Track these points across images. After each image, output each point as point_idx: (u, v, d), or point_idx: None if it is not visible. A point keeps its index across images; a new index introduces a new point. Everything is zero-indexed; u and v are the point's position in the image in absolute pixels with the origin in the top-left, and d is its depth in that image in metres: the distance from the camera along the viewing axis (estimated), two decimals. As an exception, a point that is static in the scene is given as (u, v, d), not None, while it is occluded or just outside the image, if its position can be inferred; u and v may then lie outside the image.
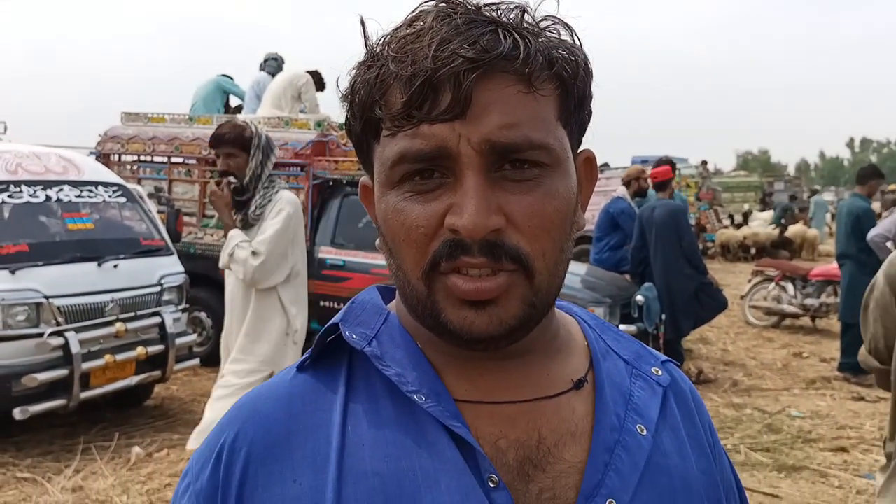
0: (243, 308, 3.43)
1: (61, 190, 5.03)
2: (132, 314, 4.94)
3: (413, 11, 0.65)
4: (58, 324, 4.53)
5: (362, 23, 0.66)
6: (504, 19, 0.63)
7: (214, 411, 3.45)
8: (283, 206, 3.37)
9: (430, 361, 0.69)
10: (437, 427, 0.65)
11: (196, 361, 5.66)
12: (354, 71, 0.66)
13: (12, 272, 4.48)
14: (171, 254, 5.53)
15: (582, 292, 6.02)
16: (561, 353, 0.73)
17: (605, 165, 14.13)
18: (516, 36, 0.61)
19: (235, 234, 3.35)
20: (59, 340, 4.47)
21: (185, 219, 6.58)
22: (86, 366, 4.53)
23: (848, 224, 6.75)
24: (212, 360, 6.64)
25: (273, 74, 8.09)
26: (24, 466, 4.38)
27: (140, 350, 4.85)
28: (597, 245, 7.28)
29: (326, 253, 6.43)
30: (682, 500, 0.69)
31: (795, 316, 9.05)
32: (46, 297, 4.50)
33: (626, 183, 7.36)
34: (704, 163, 19.67)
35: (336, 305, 5.95)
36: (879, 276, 2.18)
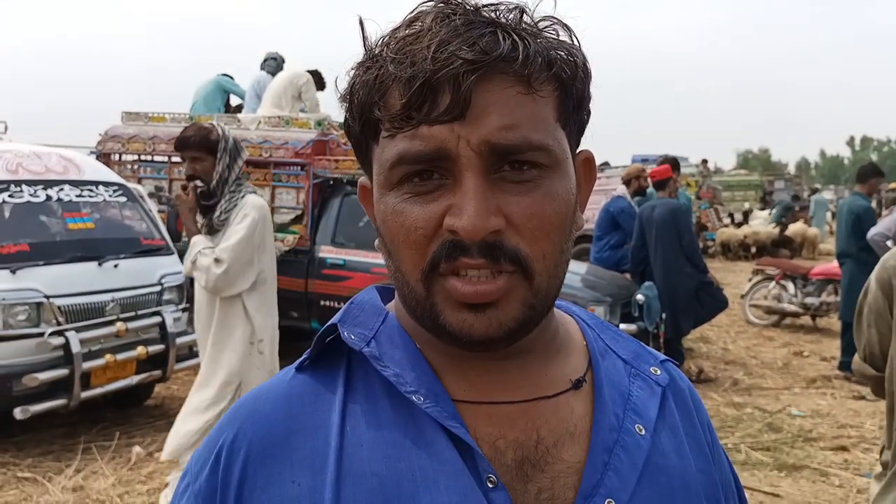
0: (209, 315, 3.35)
1: (62, 189, 5.03)
2: (133, 314, 4.94)
3: (412, 12, 0.65)
4: (58, 323, 4.53)
5: (361, 23, 0.66)
6: (503, 20, 0.63)
7: (186, 424, 3.32)
8: (249, 212, 3.27)
9: (429, 362, 0.69)
10: (435, 427, 0.65)
11: (197, 360, 5.63)
12: (353, 71, 0.66)
13: (13, 272, 4.48)
14: (172, 253, 5.53)
15: (582, 291, 6.03)
16: (560, 352, 0.73)
17: (606, 164, 14.14)
18: (515, 37, 0.61)
19: (198, 241, 3.27)
20: (59, 340, 4.47)
21: (186, 218, 6.57)
22: (86, 365, 4.54)
23: (848, 223, 6.75)
24: (212, 359, 6.65)
25: (273, 74, 8.09)
26: (24, 466, 4.39)
27: (140, 349, 4.85)
28: (597, 244, 7.28)
29: (327, 252, 6.44)
30: (680, 499, 0.69)
31: (796, 315, 9.05)
32: (47, 297, 4.50)
33: (626, 182, 7.36)
34: (705, 161, 19.65)
35: (336, 305, 5.96)
36: (872, 280, 2.14)
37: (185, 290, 5.51)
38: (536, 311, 0.65)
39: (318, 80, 7.59)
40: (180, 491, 0.70)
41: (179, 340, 5.18)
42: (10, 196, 4.83)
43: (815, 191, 25.72)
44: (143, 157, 7.39)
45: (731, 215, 20.81)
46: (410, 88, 0.60)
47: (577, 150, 0.71)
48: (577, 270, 6.62)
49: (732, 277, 12.82)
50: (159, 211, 5.98)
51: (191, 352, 5.56)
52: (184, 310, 5.46)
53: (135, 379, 4.93)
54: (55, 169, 5.20)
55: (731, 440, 4.97)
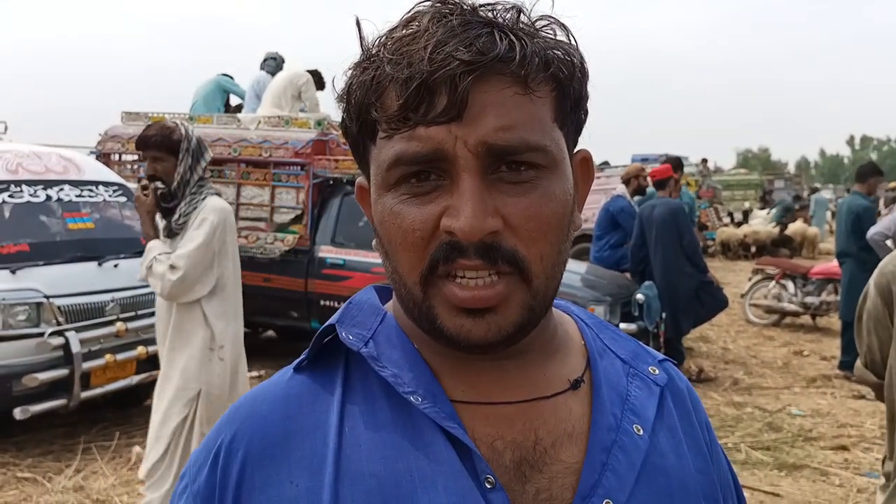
0: (167, 319, 3.26)
1: (62, 189, 5.03)
2: (132, 313, 4.94)
3: (408, 12, 0.64)
4: (58, 323, 4.53)
5: (358, 23, 0.66)
6: (500, 20, 0.63)
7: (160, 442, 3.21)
8: (207, 216, 3.15)
9: (427, 362, 0.69)
10: (433, 428, 0.65)
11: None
12: (350, 72, 0.65)
13: (13, 272, 4.48)
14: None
15: (582, 291, 6.03)
16: (558, 352, 0.72)
17: (605, 164, 14.14)
18: (512, 37, 0.61)
19: (154, 246, 3.16)
20: (59, 340, 4.48)
21: (186, 218, 6.57)
22: (86, 365, 4.54)
23: (848, 222, 6.75)
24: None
25: (272, 74, 8.09)
26: (24, 466, 4.39)
27: (140, 349, 4.85)
28: (597, 243, 7.28)
29: (327, 252, 6.44)
30: (679, 499, 0.69)
31: (796, 314, 9.05)
32: (47, 297, 4.50)
33: (626, 181, 7.36)
34: (704, 161, 19.66)
35: (336, 304, 5.96)
36: (871, 286, 2.10)
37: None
38: (535, 314, 0.65)
39: (318, 80, 7.59)
40: (179, 491, 0.70)
41: (179, 340, 5.16)
42: (10, 196, 4.83)
43: (814, 190, 25.73)
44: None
45: (730, 214, 20.81)
46: (407, 89, 0.60)
47: (575, 150, 0.71)
48: (576, 270, 6.63)
49: (732, 277, 12.82)
50: (159, 211, 5.96)
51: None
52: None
53: (135, 379, 4.93)
54: (55, 169, 5.20)
55: (731, 440, 4.97)
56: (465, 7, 0.63)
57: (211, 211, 3.16)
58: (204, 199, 3.19)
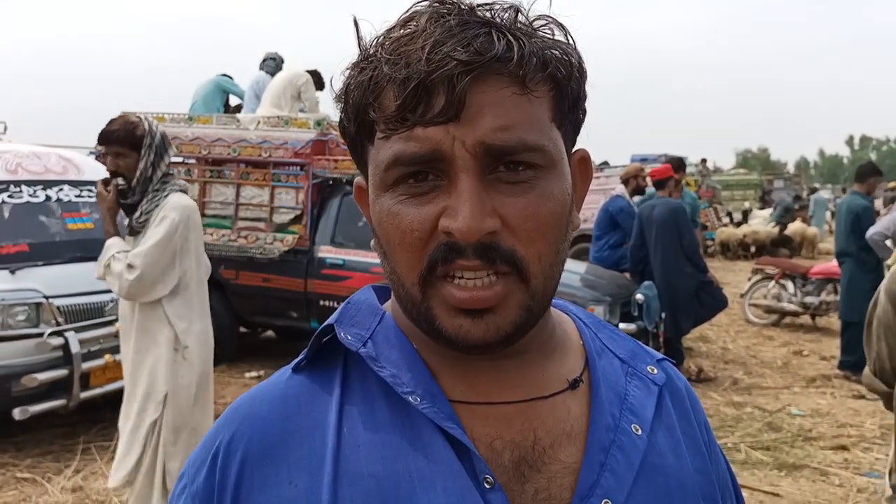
0: (130, 320, 3.17)
1: (61, 190, 5.03)
2: (132, 314, 4.93)
3: (406, 12, 0.64)
4: (58, 324, 4.53)
5: (355, 23, 0.66)
6: (497, 20, 0.62)
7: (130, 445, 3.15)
8: (168, 213, 3.06)
9: (426, 362, 0.69)
10: (432, 428, 0.65)
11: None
12: (348, 72, 0.65)
13: (12, 272, 4.48)
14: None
15: (582, 291, 6.03)
16: (557, 352, 0.72)
17: (605, 164, 14.15)
18: (510, 37, 0.61)
19: (113, 244, 3.09)
20: (58, 340, 4.47)
21: (185, 218, 6.57)
22: (86, 365, 4.54)
23: (847, 222, 6.75)
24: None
25: (272, 74, 8.09)
26: (23, 466, 4.39)
27: (140, 350, 4.84)
28: (596, 243, 7.28)
29: (326, 252, 6.44)
30: (677, 499, 0.69)
31: (795, 314, 9.05)
32: (46, 297, 4.50)
33: (625, 181, 7.36)
34: (704, 161, 19.67)
35: (336, 304, 5.95)
36: (881, 292, 2.08)
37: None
38: (533, 314, 0.65)
39: (318, 80, 7.59)
40: (178, 493, 0.70)
41: (179, 341, 5.16)
42: (9, 196, 4.83)
43: (814, 190, 25.73)
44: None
45: (729, 214, 20.81)
46: (405, 90, 0.60)
47: (573, 150, 0.71)
48: (576, 270, 6.63)
49: (732, 277, 12.82)
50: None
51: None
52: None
53: (134, 379, 4.92)
54: (54, 169, 5.20)
55: (730, 439, 4.97)
56: (462, 7, 0.62)
57: (172, 208, 3.07)
58: (166, 195, 3.10)
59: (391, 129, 0.62)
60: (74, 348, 4.47)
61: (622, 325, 5.82)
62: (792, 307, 8.92)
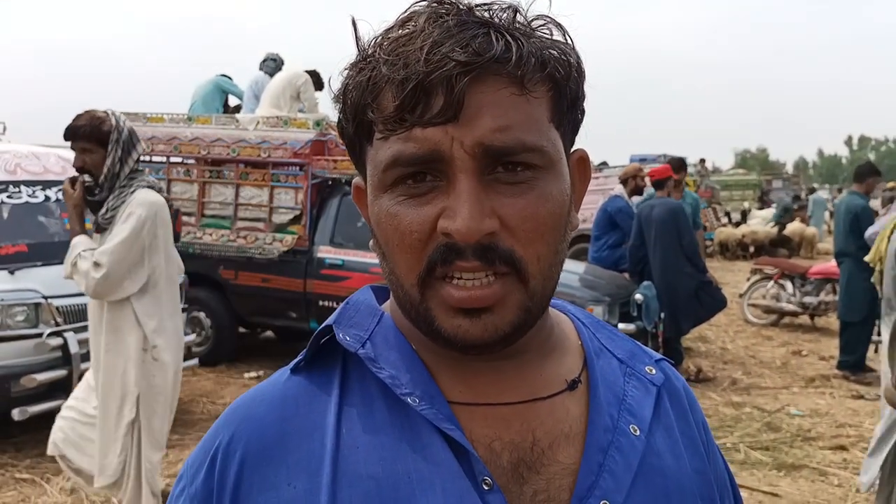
0: (99, 319, 3.11)
1: (60, 190, 5.02)
2: (131, 314, 4.93)
3: (405, 12, 0.64)
4: (56, 324, 4.52)
5: (354, 23, 0.66)
6: (496, 20, 0.62)
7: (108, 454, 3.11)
8: (134, 210, 2.99)
9: (425, 363, 0.69)
10: (430, 429, 0.64)
11: (195, 362, 5.66)
12: (346, 72, 0.65)
13: (11, 272, 4.48)
14: (170, 254, 5.52)
15: (581, 291, 6.03)
16: (555, 352, 0.72)
17: (604, 164, 14.15)
18: (508, 37, 0.61)
19: (79, 242, 3.03)
20: (57, 341, 4.47)
21: (184, 219, 6.58)
22: (85, 366, 4.50)
23: (846, 222, 6.75)
24: (211, 360, 6.66)
25: (271, 75, 8.08)
26: (22, 467, 4.38)
27: (139, 350, 4.84)
28: (595, 244, 7.28)
29: (325, 252, 6.44)
30: (675, 500, 0.69)
31: (794, 314, 9.06)
32: (45, 298, 4.50)
33: (623, 181, 7.36)
34: (702, 161, 19.68)
35: (335, 305, 5.95)
36: None
37: (184, 291, 5.50)
38: (532, 314, 0.65)
39: (317, 81, 7.59)
40: (176, 494, 0.70)
41: (178, 341, 5.16)
42: (8, 197, 4.83)
43: (812, 190, 25.75)
44: (141, 158, 7.37)
45: (727, 214, 20.81)
46: (403, 90, 0.59)
47: (572, 150, 0.71)
48: (575, 270, 6.63)
49: (731, 277, 12.83)
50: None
51: (189, 352, 5.56)
52: (182, 310, 5.45)
53: (133, 379, 4.92)
54: (53, 169, 5.20)
55: (730, 440, 4.97)
56: (461, 7, 0.62)
57: (139, 204, 3.00)
58: (133, 192, 3.04)
59: (390, 129, 0.62)
60: (73, 348, 4.47)
61: (621, 326, 5.83)
62: (791, 307, 8.92)
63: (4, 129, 6.33)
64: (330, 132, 6.69)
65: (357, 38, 0.65)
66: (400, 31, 0.62)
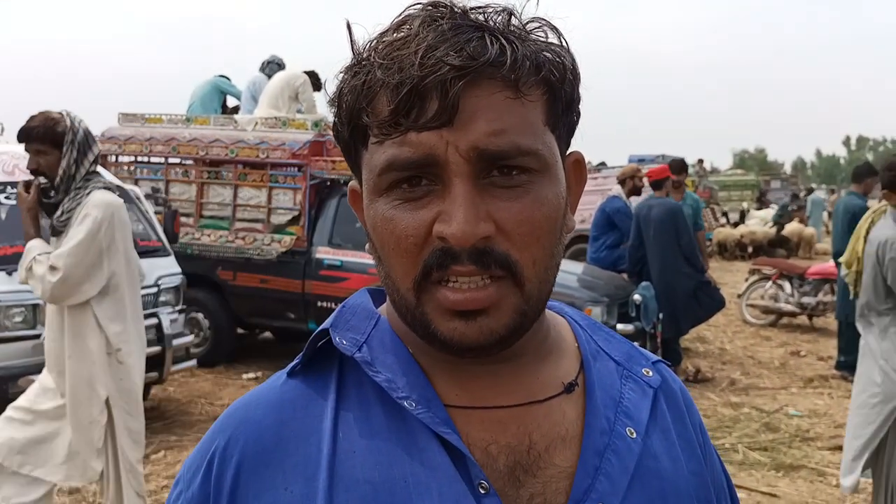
0: (59, 324, 3.04)
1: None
2: (129, 315, 4.92)
3: (399, 15, 0.64)
4: (54, 325, 4.51)
5: (349, 27, 0.66)
6: (490, 23, 0.62)
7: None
8: (90, 211, 2.91)
9: (421, 366, 0.69)
10: (427, 433, 0.64)
11: (193, 363, 5.66)
12: (342, 75, 0.65)
13: (9, 273, 4.46)
14: (169, 255, 5.52)
15: (579, 291, 6.03)
16: (552, 355, 0.72)
17: (603, 165, 14.17)
18: (503, 41, 0.61)
19: (34, 246, 2.97)
20: (55, 342, 4.45)
21: (182, 219, 6.58)
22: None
23: (844, 222, 6.76)
24: (209, 361, 6.66)
25: (270, 76, 8.08)
26: (21, 468, 4.37)
27: (137, 351, 4.83)
28: (593, 244, 7.28)
29: (324, 253, 6.44)
30: (672, 502, 0.69)
31: (793, 314, 9.06)
32: (43, 299, 4.49)
33: (621, 182, 7.36)
34: (701, 161, 19.69)
35: (333, 306, 5.95)
36: None
37: (182, 292, 5.50)
38: (528, 317, 0.65)
39: (315, 81, 7.59)
40: (173, 498, 0.70)
41: (176, 342, 5.17)
42: (6, 198, 4.82)
43: (811, 190, 25.77)
44: (139, 159, 7.39)
45: (725, 214, 20.82)
46: (398, 95, 0.59)
47: (568, 152, 0.70)
48: (573, 271, 6.63)
49: (729, 277, 12.84)
50: (156, 212, 5.98)
51: (187, 353, 5.56)
52: (180, 311, 5.46)
53: (131, 381, 4.91)
54: (51, 170, 5.18)
55: (728, 440, 4.98)
56: (455, 10, 0.62)
57: (94, 206, 2.93)
58: (89, 193, 2.96)
59: (385, 133, 0.62)
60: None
61: (620, 326, 5.83)
62: (789, 307, 8.93)
63: (3, 129, 6.32)
64: (328, 133, 6.69)
65: (352, 42, 0.65)
66: (395, 35, 0.62)
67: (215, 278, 6.79)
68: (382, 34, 0.64)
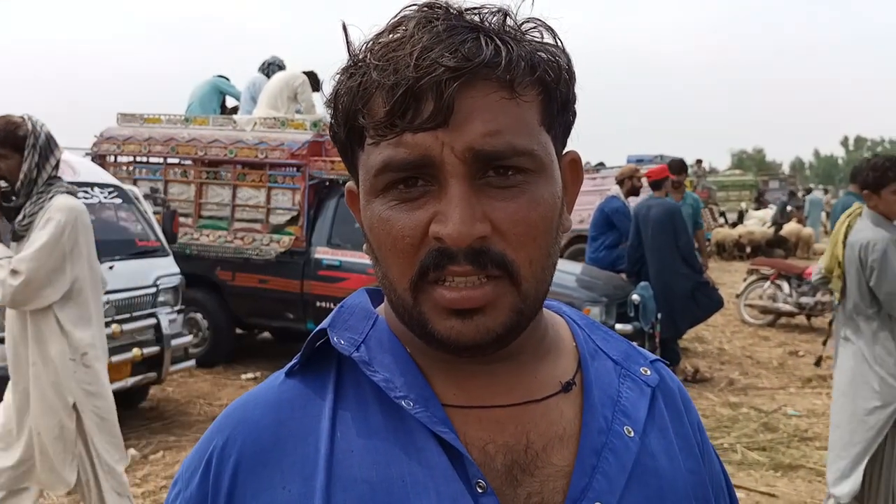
0: (21, 329, 3.00)
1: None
2: (128, 315, 4.93)
3: (395, 17, 0.65)
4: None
5: (344, 28, 0.66)
6: (486, 24, 0.63)
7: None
8: (53, 215, 2.90)
9: (419, 366, 0.69)
10: (425, 433, 0.65)
11: (192, 363, 5.66)
12: (338, 77, 0.65)
13: (7, 274, 4.46)
14: (167, 255, 5.52)
15: (578, 291, 6.03)
16: (549, 354, 0.73)
17: (601, 165, 14.18)
18: (498, 42, 0.61)
19: None
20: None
21: (181, 220, 6.58)
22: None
23: (843, 222, 6.76)
24: (208, 361, 6.66)
25: (269, 76, 8.07)
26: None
27: (136, 351, 4.84)
28: (592, 244, 7.28)
29: (323, 253, 6.44)
30: (669, 501, 0.69)
31: (791, 314, 9.07)
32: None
33: (620, 182, 7.36)
34: (700, 162, 19.71)
35: (332, 306, 5.94)
36: None
37: (181, 292, 5.50)
38: (524, 316, 0.65)
39: (314, 81, 7.58)
40: (171, 499, 0.71)
41: (175, 342, 5.17)
42: (4, 198, 4.81)
43: (808, 191, 25.80)
44: (138, 159, 7.38)
45: (722, 214, 20.84)
46: (393, 96, 0.60)
47: (564, 152, 0.71)
48: (572, 271, 6.63)
49: (728, 277, 12.85)
50: (154, 212, 5.98)
51: (186, 354, 5.56)
52: (179, 311, 5.46)
53: (130, 381, 4.92)
54: (50, 171, 5.17)
55: (727, 440, 4.98)
56: (451, 11, 0.63)
57: (57, 210, 2.92)
58: (51, 197, 2.95)
59: (380, 135, 0.62)
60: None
61: (618, 326, 5.83)
62: (787, 308, 8.94)
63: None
64: (327, 133, 6.67)
65: (348, 43, 0.65)
66: (390, 36, 0.63)
67: (214, 278, 6.79)
68: (378, 35, 0.64)
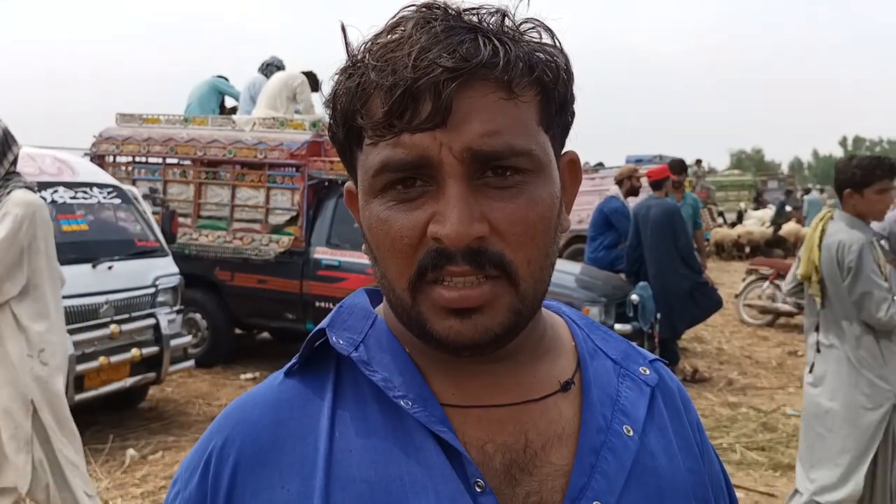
0: None
1: (56, 191, 5.01)
2: (127, 315, 4.93)
3: (393, 17, 0.65)
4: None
5: (343, 29, 0.66)
6: (484, 25, 0.63)
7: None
8: (11, 209, 2.88)
9: (418, 365, 0.69)
10: (423, 432, 0.65)
11: (191, 363, 5.66)
12: (336, 77, 0.66)
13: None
14: (166, 255, 5.53)
15: (577, 291, 6.04)
16: (548, 354, 0.73)
17: (600, 165, 14.19)
18: (496, 42, 0.61)
19: None
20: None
21: (180, 220, 6.58)
22: (80, 367, 4.52)
23: (842, 222, 6.76)
24: (207, 361, 6.66)
25: (268, 77, 8.07)
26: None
27: (135, 352, 4.84)
28: (591, 244, 7.29)
29: (322, 253, 6.44)
30: (669, 500, 0.69)
31: (790, 314, 9.07)
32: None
33: (619, 182, 7.37)
34: (699, 162, 19.71)
35: (331, 306, 5.92)
36: None
37: (180, 292, 5.50)
38: (523, 316, 0.65)
39: (314, 82, 7.58)
40: (170, 499, 0.71)
41: (174, 342, 5.17)
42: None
43: (807, 191, 25.82)
44: (137, 159, 7.38)
45: (721, 214, 20.85)
46: (392, 97, 0.60)
47: (563, 152, 0.71)
48: (571, 271, 6.64)
49: (726, 277, 12.86)
50: (154, 212, 5.98)
51: (185, 354, 5.56)
52: (178, 312, 5.46)
53: (129, 381, 4.92)
54: (49, 171, 5.18)
55: (726, 440, 4.98)
56: (449, 12, 0.63)
57: (15, 204, 2.90)
58: (9, 192, 2.93)
59: (378, 135, 0.62)
60: (69, 350, 4.45)
61: (617, 326, 5.83)
62: (786, 307, 8.94)
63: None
64: (326, 133, 6.68)
65: (346, 44, 0.66)
66: (388, 37, 0.63)
67: (213, 279, 6.79)
68: (376, 36, 0.64)
